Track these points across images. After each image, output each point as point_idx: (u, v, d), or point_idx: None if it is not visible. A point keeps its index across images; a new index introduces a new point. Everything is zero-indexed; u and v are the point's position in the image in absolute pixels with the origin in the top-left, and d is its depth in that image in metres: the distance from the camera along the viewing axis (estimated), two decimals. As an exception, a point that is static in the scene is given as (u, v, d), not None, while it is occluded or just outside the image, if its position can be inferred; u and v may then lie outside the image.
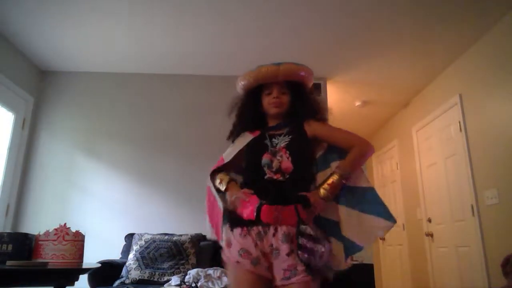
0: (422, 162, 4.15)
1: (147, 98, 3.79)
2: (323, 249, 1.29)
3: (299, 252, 1.29)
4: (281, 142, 1.49)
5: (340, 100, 4.38)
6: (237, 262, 1.35)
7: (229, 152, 1.56)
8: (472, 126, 3.26)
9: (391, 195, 5.02)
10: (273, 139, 1.51)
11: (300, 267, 1.30)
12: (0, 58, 3.18)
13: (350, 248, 1.42)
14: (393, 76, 3.87)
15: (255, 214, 1.37)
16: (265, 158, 1.45)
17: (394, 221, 1.41)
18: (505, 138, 2.87)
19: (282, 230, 1.35)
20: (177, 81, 3.85)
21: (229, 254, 1.39)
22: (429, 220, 3.93)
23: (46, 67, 3.73)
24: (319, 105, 1.63)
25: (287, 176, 1.42)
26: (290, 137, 1.49)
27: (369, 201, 1.45)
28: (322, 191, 1.41)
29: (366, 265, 3.99)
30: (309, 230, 1.31)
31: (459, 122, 3.41)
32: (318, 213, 1.43)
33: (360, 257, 4.25)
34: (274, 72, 1.55)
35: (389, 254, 5.14)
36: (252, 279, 1.33)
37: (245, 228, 1.38)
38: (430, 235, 3.87)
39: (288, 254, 1.33)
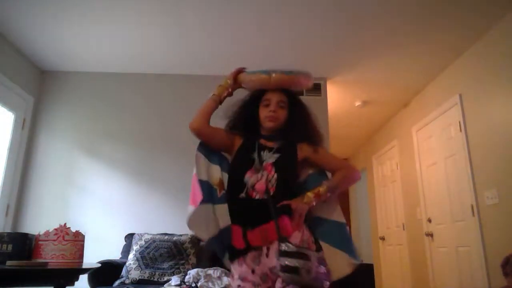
0: (422, 162, 4.15)
1: (147, 98, 3.79)
2: (309, 264, 1.23)
3: (281, 273, 1.25)
4: (269, 158, 1.47)
5: (340, 100, 4.38)
6: (238, 286, 1.38)
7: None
8: (472, 126, 3.26)
9: (391, 195, 5.02)
10: (262, 152, 1.48)
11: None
12: (0, 58, 3.18)
13: (354, 251, 1.45)
14: (393, 76, 3.87)
15: (244, 242, 1.38)
16: (248, 176, 1.43)
17: (359, 260, 1.44)
18: (505, 138, 2.87)
19: (273, 247, 1.34)
20: (177, 81, 3.85)
21: (232, 285, 1.42)
22: (429, 220, 3.93)
23: (46, 67, 3.74)
24: (316, 128, 1.60)
25: (266, 196, 1.39)
26: (279, 154, 1.47)
27: (339, 236, 1.48)
28: (306, 198, 1.42)
29: (366, 265, 3.99)
30: (290, 247, 1.26)
31: (459, 122, 3.41)
32: (302, 217, 1.40)
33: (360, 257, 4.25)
34: (265, 81, 1.56)
35: (389, 254, 5.14)
36: None
37: (241, 258, 1.40)
38: (430, 235, 3.87)
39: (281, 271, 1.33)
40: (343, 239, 1.48)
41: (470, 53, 3.31)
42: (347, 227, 1.52)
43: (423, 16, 2.90)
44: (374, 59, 3.54)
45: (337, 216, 1.51)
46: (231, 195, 1.49)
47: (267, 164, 1.45)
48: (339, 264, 1.43)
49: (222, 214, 1.49)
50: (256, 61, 3.53)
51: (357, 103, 4.50)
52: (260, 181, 1.41)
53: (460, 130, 3.39)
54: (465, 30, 3.05)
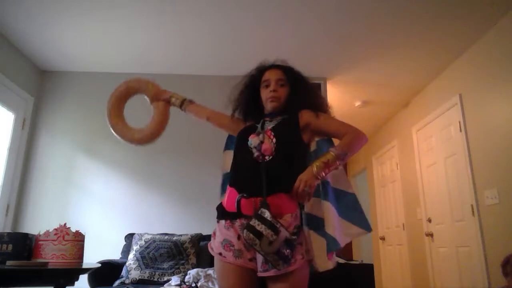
0: (422, 162, 4.15)
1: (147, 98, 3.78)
2: (275, 237, 1.21)
3: (244, 231, 1.24)
4: (270, 125, 1.48)
5: (340, 100, 4.38)
6: (220, 254, 1.36)
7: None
8: (472, 126, 3.26)
9: (391, 195, 5.02)
10: (265, 124, 1.50)
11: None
12: (0, 58, 3.18)
13: (332, 244, 1.36)
14: (393, 76, 3.87)
15: (235, 207, 1.37)
16: (251, 138, 1.44)
17: (370, 230, 1.41)
18: (505, 138, 2.87)
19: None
20: (177, 81, 3.84)
21: (213, 245, 1.41)
22: (429, 220, 3.93)
23: (46, 67, 3.74)
24: (320, 99, 1.61)
25: (268, 157, 1.38)
26: (278, 121, 1.49)
27: (348, 207, 1.44)
28: (315, 168, 1.35)
29: (366, 265, 3.98)
30: (267, 214, 1.25)
31: (459, 122, 3.41)
32: (312, 189, 1.35)
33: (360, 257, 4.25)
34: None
35: (389, 254, 5.14)
36: (235, 271, 1.33)
37: (228, 221, 1.39)
38: (430, 235, 3.88)
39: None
40: (352, 209, 1.43)
41: (470, 53, 3.31)
42: (356, 197, 1.46)
43: (423, 16, 2.90)
44: (374, 59, 3.54)
45: (348, 186, 1.47)
46: (235, 158, 1.51)
47: (266, 130, 1.45)
48: (349, 232, 1.41)
49: None
50: (256, 61, 3.53)
51: (357, 103, 4.50)
52: (265, 142, 1.41)
53: (460, 130, 3.39)
54: (465, 30, 3.06)
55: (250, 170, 1.40)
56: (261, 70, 1.61)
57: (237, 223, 1.37)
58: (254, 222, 1.24)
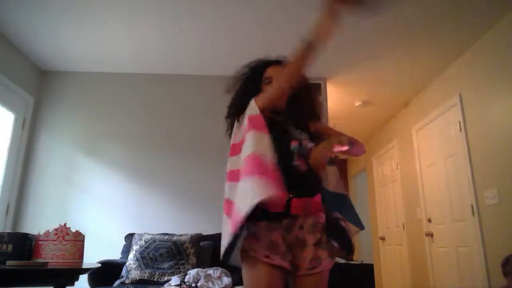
0: (422, 162, 4.15)
1: (147, 98, 3.79)
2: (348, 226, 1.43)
3: (353, 228, 1.42)
4: (302, 134, 1.47)
5: (340, 100, 4.38)
6: (266, 256, 1.29)
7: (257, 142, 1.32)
8: (472, 126, 3.26)
9: (391, 195, 5.02)
10: (292, 130, 1.48)
11: (324, 255, 1.36)
12: (0, 58, 3.18)
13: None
14: (393, 76, 3.87)
15: (285, 207, 1.33)
16: (294, 144, 1.42)
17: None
18: (505, 138, 2.87)
19: (309, 221, 1.36)
20: (177, 81, 3.85)
21: (256, 248, 1.31)
22: (429, 220, 3.93)
23: (46, 67, 3.74)
24: (319, 105, 1.63)
25: (329, 164, 1.46)
26: (304, 132, 1.49)
27: (344, 206, 1.50)
28: (328, 143, 1.42)
29: (366, 265, 3.98)
30: (336, 213, 1.42)
31: (459, 122, 3.41)
32: (323, 163, 1.45)
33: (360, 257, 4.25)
34: None
35: (389, 254, 5.14)
36: (275, 273, 1.31)
37: (273, 222, 1.33)
38: (430, 235, 3.88)
39: (314, 244, 1.35)
40: (348, 209, 1.50)
41: (470, 53, 3.31)
42: (350, 199, 1.55)
43: (423, 17, 2.90)
44: (374, 59, 3.54)
45: (343, 189, 1.54)
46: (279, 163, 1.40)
47: (303, 138, 1.46)
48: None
49: None
50: (256, 61, 3.53)
51: (357, 103, 4.50)
52: (313, 149, 1.43)
53: (460, 130, 3.39)
54: (465, 30, 3.06)
55: (294, 172, 1.38)
56: (263, 65, 1.59)
57: (283, 223, 1.34)
58: (342, 223, 1.42)
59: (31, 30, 3.12)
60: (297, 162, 1.39)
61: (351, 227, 1.46)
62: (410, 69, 3.73)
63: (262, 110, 1.38)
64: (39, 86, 3.74)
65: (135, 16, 2.96)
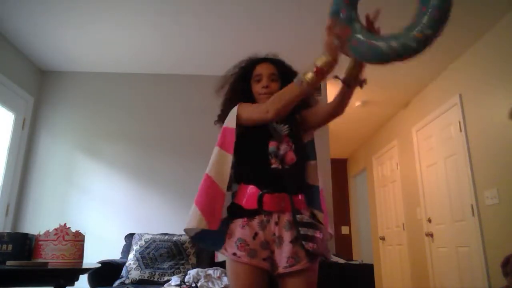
0: (422, 162, 4.15)
1: (147, 98, 3.79)
2: (322, 234, 1.32)
3: (304, 243, 1.28)
4: (283, 130, 1.45)
5: (340, 100, 4.38)
6: (233, 254, 1.31)
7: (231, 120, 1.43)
8: (472, 126, 3.26)
9: (391, 195, 5.02)
10: (273, 125, 1.45)
11: (302, 254, 1.30)
12: (0, 58, 3.18)
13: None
14: (393, 76, 3.87)
15: (257, 203, 1.34)
16: (272, 146, 1.40)
17: (322, 212, 1.47)
18: (505, 138, 2.87)
19: (285, 217, 1.34)
20: (176, 81, 3.85)
21: (227, 246, 1.35)
22: (429, 220, 3.93)
23: (46, 67, 3.74)
24: (311, 95, 1.61)
25: (287, 166, 1.39)
26: (287, 125, 1.46)
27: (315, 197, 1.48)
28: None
29: (366, 265, 3.98)
30: (306, 218, 1.32)
31: (459, 122, 3.41)
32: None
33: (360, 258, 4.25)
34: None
35: (389, 254, 5.14)
36: (248, 272, 1.30)
37: (245, 219, 1.35)
38: (430, 235, 3.88)
39: (291, 241, 1.32)
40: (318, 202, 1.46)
41: (470, 53, 3.31)
42: (322, 191, 1.48)
43: (423, 16, 2.90)
44: (374, 59, 3.53)
45: (315, 180, 1.49)
46: (248, 156, 1.44)
47: (284, 135, 1.44)
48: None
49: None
50: (256, 61, 3.53)
51: (357, 103, 4.50)
52: (288, 151, 1.40)
53: (460, 130, 3.40)
54: (465, 30, 3.06)
55: (269, 172, 1.38)
56: (253, 63, 1.57)
57: (256, 220, 1.34)
58: (304, 231, 1.30)
59: (31, 30, 3.12)
60: (273, 165, 1.38)
61: (324, 233, 1.38)
62: (410, 69, 3.73)
63: (241, 122, 1.42)
64: (39, 86, 3.74)
65: (135, 16, 2.96)
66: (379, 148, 5.49)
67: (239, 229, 1.34)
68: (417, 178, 4.22)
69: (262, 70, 1.53)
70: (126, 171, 3.56)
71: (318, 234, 1.31)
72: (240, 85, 1.55)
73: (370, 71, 3.90)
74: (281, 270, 1.31)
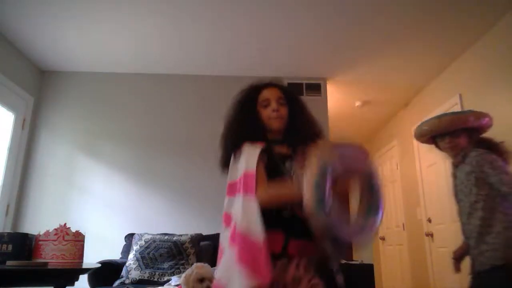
0: (422, 162, 4.15)
1: (147, 98, 3.79)
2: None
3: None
4: (294, 169, 1.39)
5: (340, 100, 4.38)
6: None
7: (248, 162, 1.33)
8: (472, 126, 3.26)
9: (391, 195, 5.02)
10: (286, 162, 1.40)
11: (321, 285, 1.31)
12: (0, 58, 3.18)
13: None
14: (393, 76, 3.87)
15: (282, 247, 1.31)
16: (285, 211, 1.34)
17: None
18: (505, 138, 2.86)
19: (304, 260, 1.32)
20: (176, 81, 3.85)
21: None
22: (429, 220, 3.92)
23: (46, 67, 3.74)
24: (315, 122, 1.54)
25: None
26: (298, 163, 1.41)
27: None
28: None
29: (366, 265, 3.99)
30: (336, 265, 1.36)
31: (459, 122, 3.40)
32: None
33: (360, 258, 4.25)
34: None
35: (389, 254, 5.14)
36: None
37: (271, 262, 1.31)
38: (430, 235, 3.87)
39: (309, 281, 1.29)
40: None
41: (470, 53, 3.31)
42: None
43: (423, 16, 2.90)
44: (374, 59, 3.54)
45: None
46: (274, 211, 1.35)
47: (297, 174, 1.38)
48: None
49: None
50: (255, 61, 3.53)
51: (357, 103, 4.50)
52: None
53: (460, 130, 3.39)
54: (465, 30, 3.06)
55: (291, 218, 1.35)
56: (257, 89, 1.52)
57: (278, 264, 1.29)
58: (339, 279, 1.34)
59: (31, 30, 3.12)
60: (292, 210, 1.34)
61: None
62: (410, 69, 3.73)
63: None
64: (39, 86, 3.74)
65: (135, 16, 2.96)
66: (379, 148, 5.49)
67: None
68: (417, 178, 4.22)
69: (269, 94, 1.48)
70: (126, 171, 3.56)
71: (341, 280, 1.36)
72: (245, 114, 1.48)
73: (370, 71, 3.91)
74: None
